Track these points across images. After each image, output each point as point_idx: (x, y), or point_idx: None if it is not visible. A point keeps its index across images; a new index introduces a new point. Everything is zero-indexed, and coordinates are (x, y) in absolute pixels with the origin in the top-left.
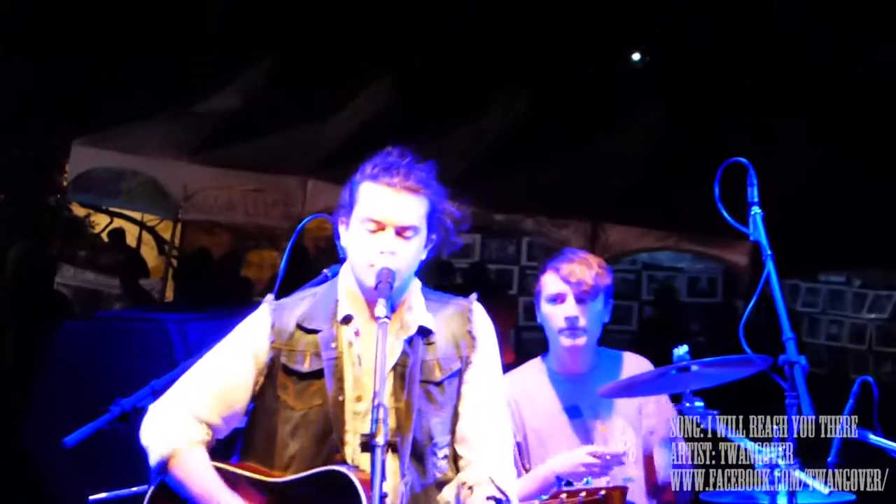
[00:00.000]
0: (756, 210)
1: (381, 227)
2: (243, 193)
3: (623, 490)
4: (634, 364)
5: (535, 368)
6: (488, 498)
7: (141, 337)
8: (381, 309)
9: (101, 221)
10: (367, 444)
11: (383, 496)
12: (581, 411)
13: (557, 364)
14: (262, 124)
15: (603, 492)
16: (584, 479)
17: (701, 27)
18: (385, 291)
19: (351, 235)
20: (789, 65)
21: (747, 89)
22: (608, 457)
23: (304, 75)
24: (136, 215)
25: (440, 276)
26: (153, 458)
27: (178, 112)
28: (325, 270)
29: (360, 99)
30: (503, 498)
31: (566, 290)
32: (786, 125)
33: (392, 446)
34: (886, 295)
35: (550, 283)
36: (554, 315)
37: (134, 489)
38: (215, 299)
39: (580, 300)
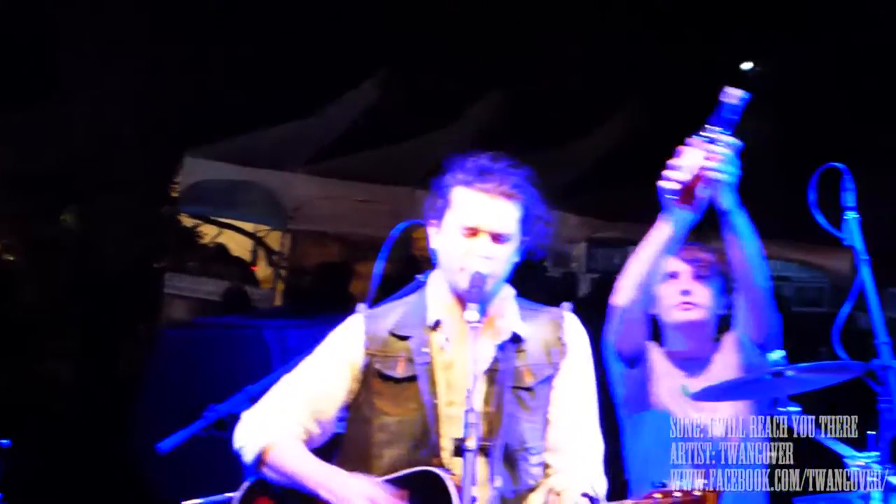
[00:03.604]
0: (852, 214)
1: (475, 233)
2: (353, 204)
3: (717, 493)
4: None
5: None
6: (583, 494)
7: (240, 343)
8: (472, 314)
9: (209, 232)
10: (459, 449)
11: (473, 501)
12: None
13: (670, 346)
14: (373, 135)
15: (698, 493)
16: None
17: (811, 35)
18: (477, 296)
19: (443, 239)
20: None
21: (853, 96)
22: None
23: (416, 87)
24: (247, 226)
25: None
26: (248, 456)
27: (288, 123)
28: (418, 276)
29: (472, 111)
30: (596, 497)
31: (683, 268)
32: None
33: (484, 450)
34: None
35: (668, 263)
36: (668, 293)
37: (228, 495)
38: (318, 308)
39: (698, 277)
